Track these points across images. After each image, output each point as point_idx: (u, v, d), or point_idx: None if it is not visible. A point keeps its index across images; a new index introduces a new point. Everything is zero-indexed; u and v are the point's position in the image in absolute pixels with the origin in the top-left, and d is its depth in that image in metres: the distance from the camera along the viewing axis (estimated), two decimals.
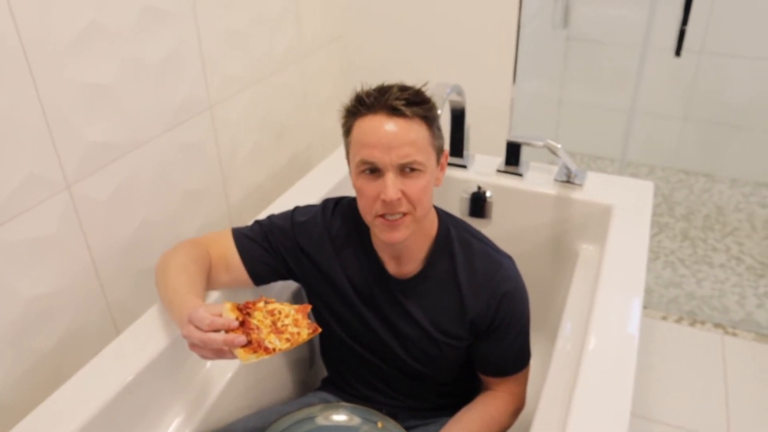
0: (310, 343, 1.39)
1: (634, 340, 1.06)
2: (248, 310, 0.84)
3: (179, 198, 1.35)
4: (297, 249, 1.13)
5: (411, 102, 0.96)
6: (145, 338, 1.03)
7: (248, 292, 1.20)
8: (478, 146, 1.67)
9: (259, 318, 0.83)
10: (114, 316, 1.23)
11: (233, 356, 0.82)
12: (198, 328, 0.82)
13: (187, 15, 1.27)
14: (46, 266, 1.07)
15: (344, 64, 1.95)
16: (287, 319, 0.84)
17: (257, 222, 1.16)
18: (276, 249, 1.13)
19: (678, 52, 1.61)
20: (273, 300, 0.87)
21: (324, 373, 1.34)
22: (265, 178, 1.65)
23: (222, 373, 1.12)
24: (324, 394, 1.25)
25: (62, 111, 1.04)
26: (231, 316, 0.82)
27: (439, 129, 1.01)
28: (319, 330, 0.86)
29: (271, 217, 1.16)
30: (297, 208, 1.17)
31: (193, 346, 0.84)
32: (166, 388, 1.04)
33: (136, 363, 0.98)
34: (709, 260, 2.31)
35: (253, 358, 0.79)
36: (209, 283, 1.09)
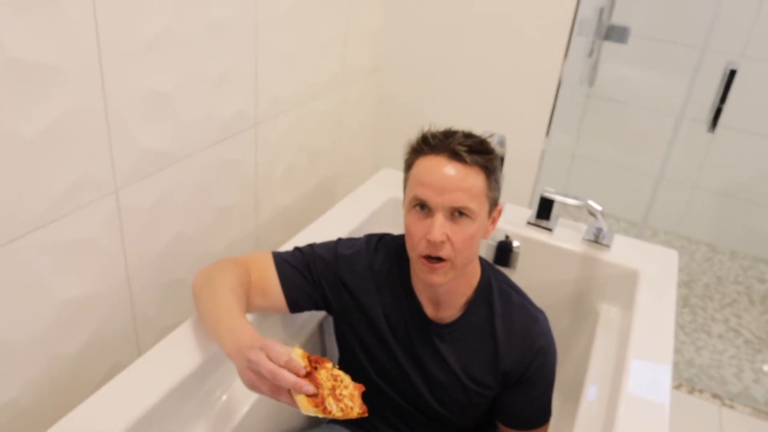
0: None
1: (665, 411, 1.06)
2: (316, 365, 0.83)
3: (214, 213, 1.34)
4: (338, 282, 1.12)
5: (473, 150, 0.97)
6: (170, 360, 1.01)
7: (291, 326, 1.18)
8: (503, 195, 1.68)
9: (323, 377, 0.83)
10: (137, 330, 1.21)
11: (287, 400, 0.81)
12: (272, 360, 0.81)
13: (249, 32, 1.27)
14: (83, 270, 1.05)
15: (380, 96, 1.96)
16: (345, 390, 0.83)
17: (298, 249, 1.15)
18: (317, 279, 1.12)
19: (713, 127, 1.65)
20: (337, 366, 0.86)
21: None
22: (294, 200, 1.65)
23: (244, 399, 1.10)
24: (340, 428, 1.23)
25: (123, 114, 1.03)
26: (300, 363, 0.81)
27: (497, 182, 1.02)
28: (366, 414, 0.85)
29: (313, 246, 1.15)
30: (340, 240, 1.16)
31: (249, 373, 0.83)
32: (188, 412, 1.02)
33: (160, 385, 0.96)
34: (708, 329, 2.34)
35: (311, 411, 0.78)
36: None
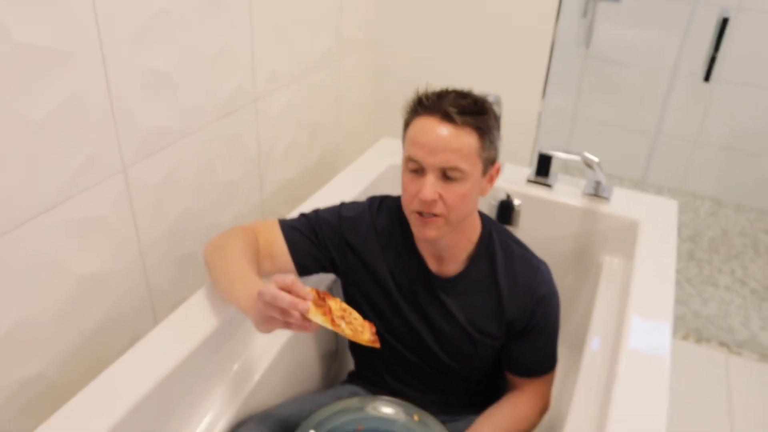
0: (336, 337, 1.42)
1: (666, 362, 1.06)
2: (325, 297, 0.88)
3: (220, 188, 1.38)
4: (343, 243, 1.16)
5: (465, 111, 0.99)
6: (189, 325, 1.06)
7: None
8: (501, 155, 1.70)
9: (333, 306, 0.87)
10: (154, 303, 1.25)
11: (297, 323, 0.84)
12: (279, 287, 0.85)
13: (244, 9, 1.30)
14: (98, 247, 1.09)
15: (377, 67, 1.98)
16: (356, 321, 0.88)
17: (303, 215, 1.19)
18: (322, 242, 1.16)
19: (707, 77, 1.66)
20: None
21: (347, 368, 1.36)
22: (297, 173, 1.68)
23: (260, 360, 1.14)
24: (352, 387, 1.28)
25: (126, 94, 1.06)
26: (307, 288, 0.86)
27: (492, 141, 1.04)
28: (378, 345, 0.89)
29: (318, 211, 1.19)
30: (343, 204, 1.20)
31: (260, 305, 0.86)
32: (206, 375, 1.07)
33: (180, 349, 1.00)
34: (715, 282, 2.37)
35: (319, 316, 0.83)
36: None
